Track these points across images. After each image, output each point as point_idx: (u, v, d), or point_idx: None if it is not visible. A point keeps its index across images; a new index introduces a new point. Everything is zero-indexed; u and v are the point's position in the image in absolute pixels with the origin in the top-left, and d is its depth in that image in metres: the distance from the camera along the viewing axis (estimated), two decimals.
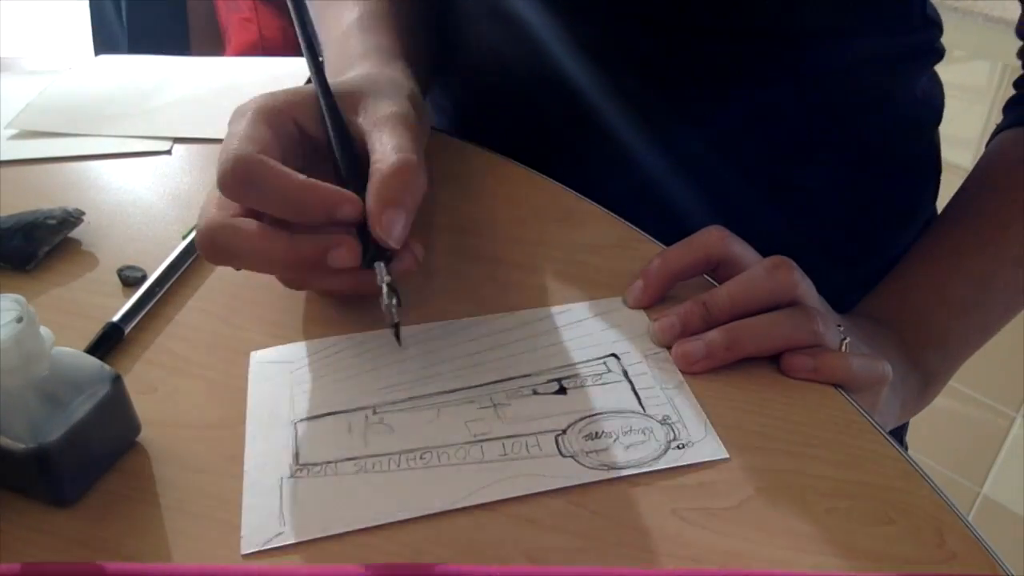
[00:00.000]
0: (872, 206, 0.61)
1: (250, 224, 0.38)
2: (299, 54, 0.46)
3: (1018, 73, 0.59)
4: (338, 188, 0.39)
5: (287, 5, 0.45)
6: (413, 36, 0.56)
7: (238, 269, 0.41)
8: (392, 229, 0.38)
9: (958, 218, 0.56)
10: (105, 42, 1.43)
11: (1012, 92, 0.60)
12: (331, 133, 0.41)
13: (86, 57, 0.74)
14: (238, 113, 0.40)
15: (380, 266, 0.39)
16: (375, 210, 0.38)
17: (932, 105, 0.62)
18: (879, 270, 0.55)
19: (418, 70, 0.50)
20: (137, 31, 1.37)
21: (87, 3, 1.43)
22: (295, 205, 0.38)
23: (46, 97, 0.65)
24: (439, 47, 0.62)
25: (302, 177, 0.38)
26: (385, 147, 0.40)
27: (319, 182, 0.38)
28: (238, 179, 0.37)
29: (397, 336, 0.41)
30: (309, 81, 0.43)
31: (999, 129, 0.59)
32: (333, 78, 0.47)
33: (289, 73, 0.69)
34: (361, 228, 0.39)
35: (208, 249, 0.39)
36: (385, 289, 0.39)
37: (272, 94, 0.42)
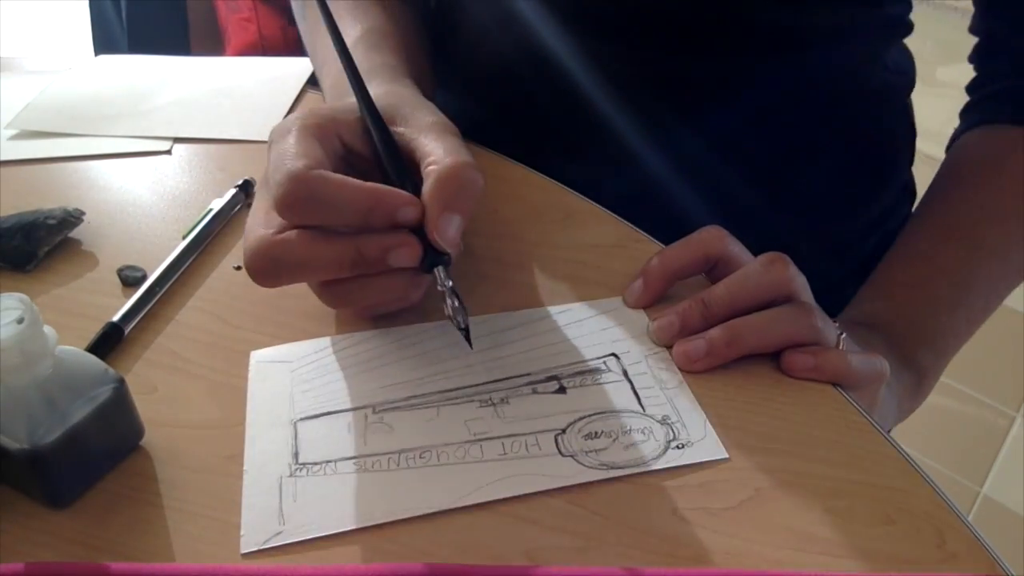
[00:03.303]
0: (849, 169, 0.62)
1: (305, 234, 0.37)
2: (298, 54, 0.45)
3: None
4: (400, 191, 0.38)
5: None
6: (418, 53, 0.56)
7: (291, 283, 0.39)
8: (448, 233, 0.37)
9: (931, 217, 0.57)
10: (105, 42, 1.42)
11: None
12: (379, 142, 0.40)
13: (86, 57, 0.74)
14: (281, 131, 0.39)
15: (440, 271, 0.38)
16: (433, 213, 0.37)
17: (904, 72, 0.63)
18: (871, 250, 0.56)
19: (424, 87, 0.50)
20: (137, 31, 1.37)
21: (87, 3, 1.43)
22: (360, 211, 0.37)
23: (46, 97, 0.65)
24: (443, 51, 0.62)
25: (363, 183, 0.37)
26: (438, 151, 0.39)
27: (380, 185, 0.37)
28: (301, 198, 0.36)
29: (468, 339, 0.39)
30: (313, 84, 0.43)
31: (957, 134, 0.60)
32: (339, 96, 0.46)
33: (289, 73, 0.69)
34: (417, 231, 0.38)
35: (268, 268, 0.37)
36: (448, 293, 0.38)
37: (312, 111, 0.41)
